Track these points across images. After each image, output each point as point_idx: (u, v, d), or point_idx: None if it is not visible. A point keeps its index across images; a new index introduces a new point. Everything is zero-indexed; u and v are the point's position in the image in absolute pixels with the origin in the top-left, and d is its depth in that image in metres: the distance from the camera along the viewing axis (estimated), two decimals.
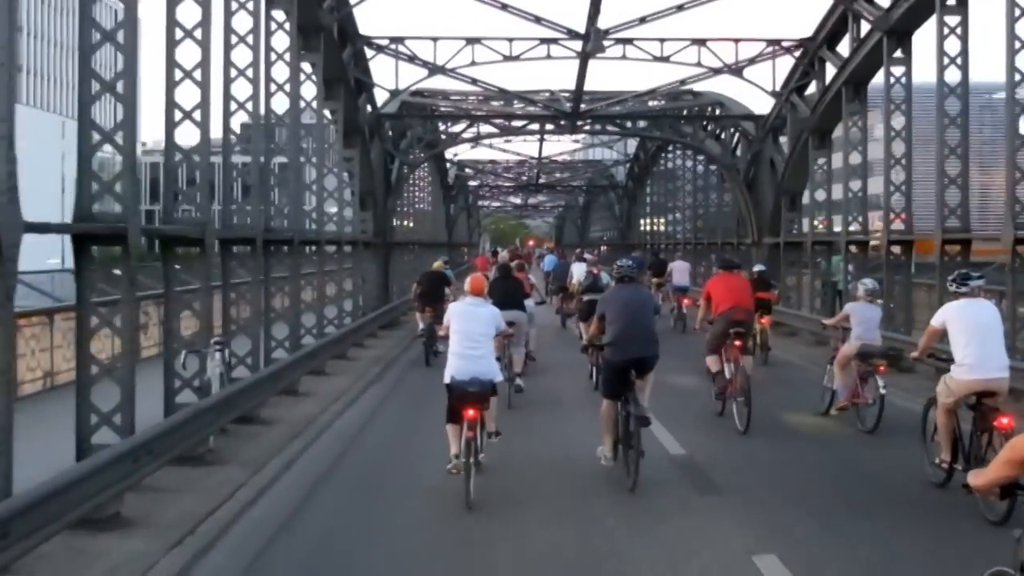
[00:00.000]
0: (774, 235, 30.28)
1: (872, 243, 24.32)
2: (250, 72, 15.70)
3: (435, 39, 28.43)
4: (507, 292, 15.52)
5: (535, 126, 38.51)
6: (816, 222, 29.39)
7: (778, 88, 29.12)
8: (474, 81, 29.65)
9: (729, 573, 7.74)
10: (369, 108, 29.66)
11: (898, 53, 21.53)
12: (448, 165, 57.21)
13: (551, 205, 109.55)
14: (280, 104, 18.72)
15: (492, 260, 30.17)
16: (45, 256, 50.15)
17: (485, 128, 37.08)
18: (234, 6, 15.36)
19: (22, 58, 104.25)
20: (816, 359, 18.11)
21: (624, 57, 28.19)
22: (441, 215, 59.18)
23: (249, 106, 15.65)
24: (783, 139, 30.70)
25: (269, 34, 18.13)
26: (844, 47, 25.28)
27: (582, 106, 32.64)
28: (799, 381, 17.60)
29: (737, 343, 13.29)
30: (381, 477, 11.00)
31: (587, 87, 30.98)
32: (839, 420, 13.41)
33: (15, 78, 8.16)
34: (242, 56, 15.60)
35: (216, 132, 15.01)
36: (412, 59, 28.36)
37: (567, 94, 33.17)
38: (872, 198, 27.55)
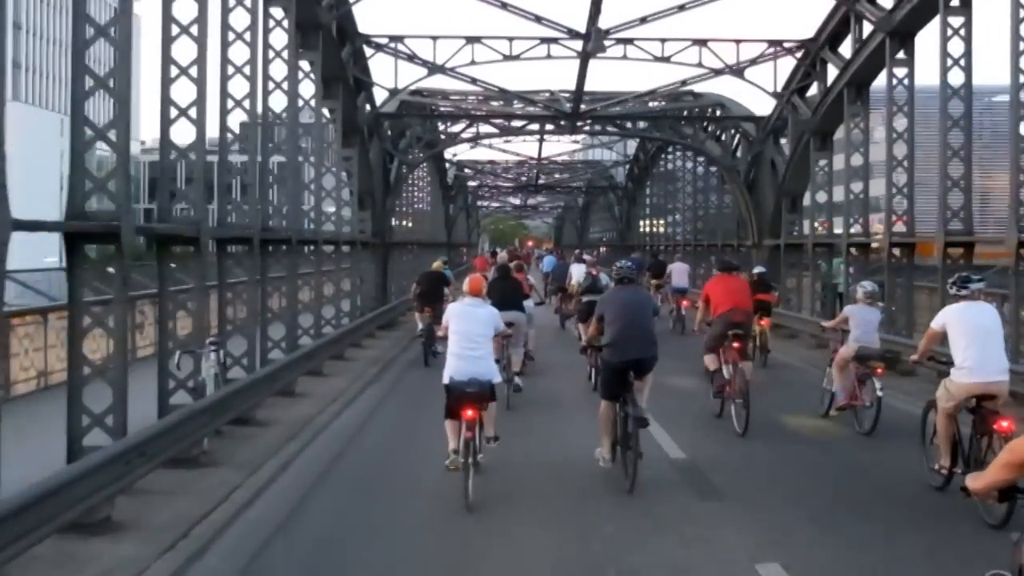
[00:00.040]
0: (774, 237, 30.14)
1: (873, 245, 24.18)
2: (247, 69, 15.53)
3: (435, 38, 28.31)
4: (506, 293, 15.48)
5: (535, 126, 38.41)
6: (817, 224, 29.25)
7: (779, 89, 28.98)
8: (474, 81, 29.51)
9: None
10: (368, 107, 29.53)
11: (900, 54, 21.38)
12: (447, 165, 57.11)
13: (550, 206, 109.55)
14: (278, 102, 18.57)
15: (491, 261, 30.10)
16: (43, 255, 50.02)
17: (485, 128, 36.99)
18: (231, 3, 15.18)
19: (21, 55, 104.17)
20: (816, 361, 18.04)
21: (625, 57, 28.04)
22: (440, 215, 59.07)
23: (246, 104, 15.49)
24: (784, 140, 30.57)
25: (267, 31, 17.95)
26: (846, 48, 25.17)
27: (582, 106, 32.49)
28: (798, 383, 17.58)
29: (736, 345, 13.29)
30: (379, 478, 10.90)
31: (587, 87, 30.84)
32: (839, 422, 13.41)
33: (5, 75, 8.00)
34: (239, 53, 15.45)
35: (213, 130, 14.94)
36: (411, 58, 28.22)
37: (567, 94, 33.04)
38: (873, 200, 27.38)
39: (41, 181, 72.82)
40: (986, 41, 20.25)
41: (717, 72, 28.61)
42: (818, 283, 27.42)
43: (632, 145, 58.38)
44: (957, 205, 19.17)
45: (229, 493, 9.99)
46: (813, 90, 27.79)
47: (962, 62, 18.70)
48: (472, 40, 28.13)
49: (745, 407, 12.68)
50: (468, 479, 9.34)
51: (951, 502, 9.14)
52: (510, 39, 28.11)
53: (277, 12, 18.42)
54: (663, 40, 28.18)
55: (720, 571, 7.83)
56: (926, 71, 21.44)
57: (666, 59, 28.10)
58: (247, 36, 15.53)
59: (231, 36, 15.18)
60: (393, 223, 35.89)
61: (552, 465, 11.22)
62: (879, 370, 12.75)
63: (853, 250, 24.05)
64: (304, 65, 20.69)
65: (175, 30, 12.52)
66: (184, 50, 12.63)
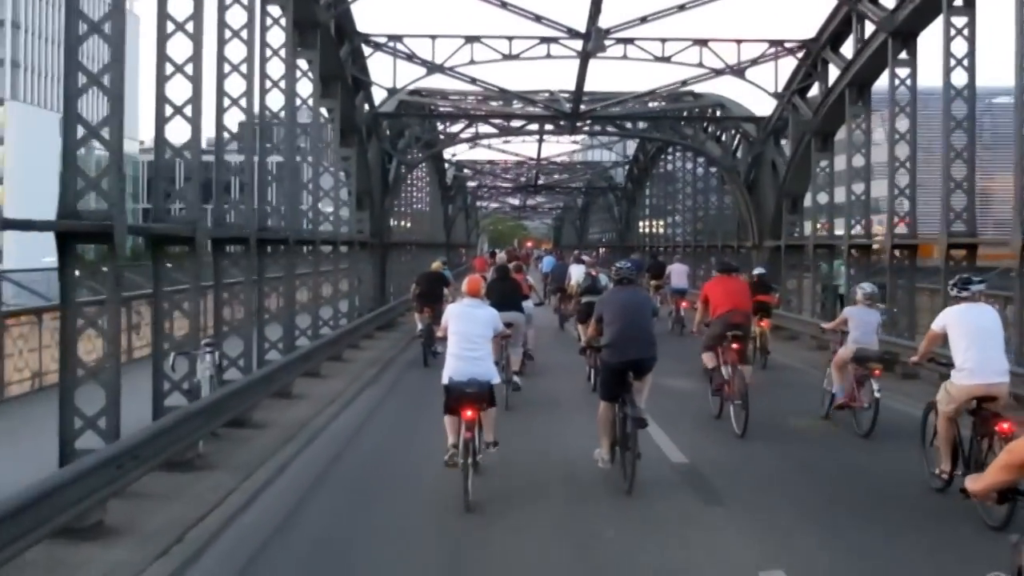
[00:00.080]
0: (775, 238, 30.01)
1: (875, 247, 24.05)
2: (244, 68, 15.37)
3: (434, 37, 28.12)
4: (505, 293, 15.46)
5: (534, 126, 38.28)
6: (818, 225, 29.10)
7: (780, 89, 28.84)
8: (473, 80, 29.36)
9: None
10: (366, 107, 29.37)
11: (903, 55, 21.22)
12: (446, 165, 56.99)
13: (549, 207, 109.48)
14: (275, 101, 18.40)
15: (490, 261, 30.06)
16: (42, 255, 49.88)
17: (484, 128, 36.85)
18: (228, 0, 15.05)
19: (20, 55, 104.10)
20: (816, 363, 17.94)
21: (625, 57, 27.89)
22: (439, 216, 58.96)
23: (243, 103, 15.33)
24: (784, 141, 30.43)
25: (264, 29, 17.81)
26: (847, 49, 25.01)
27: (582, 107, 32.34)
28: (799, 384, 17.56)
29: (735, 346, 13.28)
30: (377, 481, 10.78)
31: (587, 88, 30.68)
32: (839, 424, 13.38)
33: None
34: (236, 51, 15.29)
35: (210, 130, 14.83)
36: (410, 57, 28.07)
37: (567, 94, 32.91)
38: (873, 202, 27.22)
39: (40, 180, 72.59)
40: (986, 42, 20.13)
41: (718, 72, 28.47)
42: (819, 285, 27.29)
43: (632, 146, 58.28)
44: (959, 207, 19.02)
45: (224, 497, 9.85)
46: (814, 91, 27.65)
47: (965, 62, 18.54)
48: (471, 39, 27.98)
49: (744, 408, 12.64)
50: (468, 479, 9.32)
51: (951, 504, 9.06)
52: (510, 38, 27.96)
53: (274, 10, 18.28)
54: (663, 40, 28.04)
55: None
56: (928, 72, 21.29)
57: (666, 59, 27.95)
58: (244, 34, 15.36)
59: (227, 34, 15.02)
60: (392, 223, 35.77)
61: (551, 466, 11.17)
62: (877, 372, 12.70)
63: (854, 251, 23.87)
64: (302, 64, 20.55)
65: (170, 27, 12.39)
66: (179, 47, 12.51)
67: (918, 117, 21.56)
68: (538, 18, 25.65)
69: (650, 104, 34.94)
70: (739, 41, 28.38)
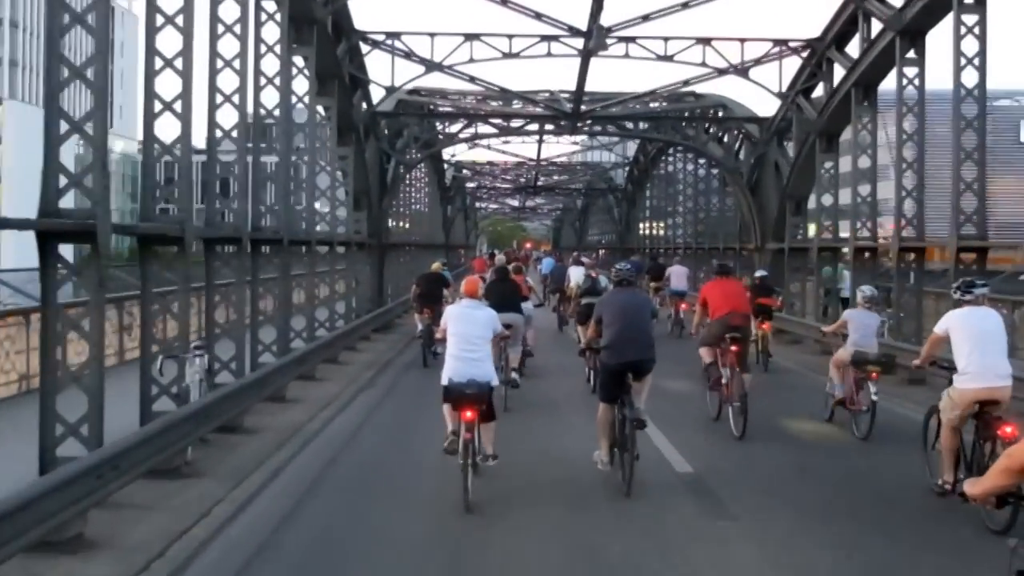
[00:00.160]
0: (778, 240, 29.65)
1: (881, 250, 23.71)
2: (237, 64, 14.97)
3: (432, 35, 27.75)
4: (504, 295, 15.41)
5: (534, 127, 37.94)
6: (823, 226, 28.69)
7: (784, 90, 28.48)
8: (472, 79, 28.96)
9: None
10: (364, 105, 29.01)
11: (911, 54, 20.84)
12: (445, 166, 56.69)
13: (549, 208, 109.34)
14: (270, 99, 18.03)
15: (489, 263, 29.96)
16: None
17: (483, 128, 36.52)
18: None
19: (18, 54, 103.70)
20: (818, 367, 17.81)
21: (627, 56, 27.51)
22: (438, 216, 58.67)
23: (236, 99, 14.93)
24: (788, 142, 30.08)
25: (259, 25, 17.42)
26: (853, 48, 24.65)
27: (582, 107, 31.99)
28: (801, 387, 17.58)
29: (733, 348, 13.27)
30: (373, 487, 10.48)
31: (588, 88, 30.36)
32: (842, 428, 13.36)
33: None
34: (229, 47, 14.86)
35: (202, 126, 14.44)
36: (409, 55, 27.70)
37: (567, 94, 32.59)
38: (879, 204, 26.81)
39: (39, 180, 72.08)
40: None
41: (721, 72, 28.10)
42: (822, 288, 26.95)
43: (632, 147, 57.99)
44: (968, 209, 18.67)
45: (211, 507, 9.46)
46: (819, 91, 27.33)
47: (976, 61, 18.18)
48: (471, 37, 27.62)
49: (743, 412, 12.62)
50: (467, 480, 9.34)
51: (954, 508, 8.93)
52: (510, 36, 27.58)
53: (269, 5, 17.91)
54: (666, 39, 27.67)
55: None
56: (934, 72, 20.86)
57: (669, 58, 27.57)
58: (237, 29, 14.94)
59: (220, 28, 14.58)
60: (390, 224, 35.43)
61: (551, 467, 11.11)
62: (874, 375, 12.72)
63: (866, 254, 23.48)
64: (298, 61, 20.20)
65: (160, 20, 11.98)
66: (169, 41, 12.11)
67: (922, 118, 21.20)
68: (539, 16, 25.30)
69: (651, 104, 34.66)
70: (743, 40, 28.03)
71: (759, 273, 23.55)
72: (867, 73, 23.30)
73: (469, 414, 9.62)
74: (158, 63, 11.99)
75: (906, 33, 20.71)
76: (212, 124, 14.35)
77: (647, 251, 51.36)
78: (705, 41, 27.86)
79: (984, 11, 18.19)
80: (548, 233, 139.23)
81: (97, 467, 8.23)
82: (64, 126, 9.43)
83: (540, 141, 47.38)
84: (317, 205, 23.34)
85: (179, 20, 12.06)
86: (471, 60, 27.78)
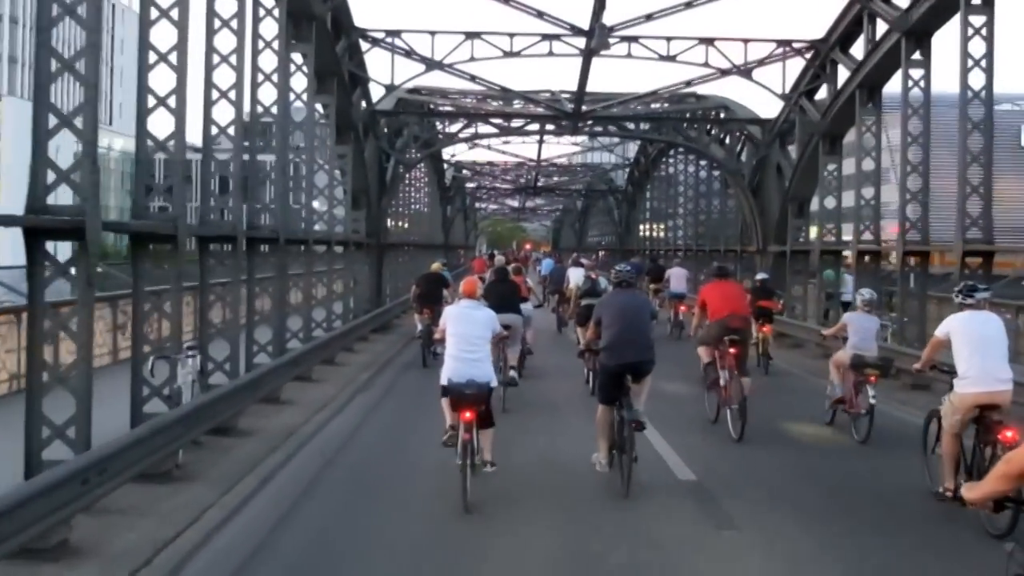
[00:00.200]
0: (780, 243, 29.42)
1: (885, 253, 23.50)
2: (234, 59, 14.73)
3: (433, 33, 27.54)
4: (503, 295, 15.41)
5: (534, 127, 37.70)
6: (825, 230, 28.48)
7: (787, 91, 28.24)
8: (473, 78, 28.72)
9: None
10: (364, 104, 28.75)
11: (916, 55, 20.62)
12: (445, 166, 56.47)
13: (549, 209, 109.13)
14: (267, 96, 17.77)
15: (489, 263, 29.81)
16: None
17: (484, 128, 36.27)
18: None
19: (17, 50, 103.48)
20: (819, 371, 17.68)
21: (629, 55, 27.30)
22: (437, 216, 58.45)
23: (232, 95, 14.68)
24: (791, 145, 29.86)
25: (256, 20, 17.15)
26: (857, 49, 24.48)
27: (584, 107, 31.75)
28: (802, 391, 17.55)
29: (732, 351, 13.25)
30: (368, 492, 10.25)
31: (589, 89, 30.13)
32: (842, 431, 13.31)
33: None
34: (226, 42, 14.63)
35: (197, 123, 14.24)
36: (409, 54, 27.47)
37: (568, 95, 32.36)
38: (882, 207, 26.59)
39: None
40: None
41: (724, 72, 27.88)
42: (823, 292, 26.72)
43: (632, 148, 57.80)
44: (974, 212, 18.44)
45: (201, 513, 9.21)
46: (822, 93, 27.10)
47: (983, 63, 17.95)
48: (472, 36, 27.39)
49: (741, 415, 12.58)
50: (466, 480, 9.32)
51: (955, 513, 8.89)
52: (511, 35, 27.38)
53: (267, 1, 17.64)
54: (668, 39, 27.47)
55: None
56: (938, 74, 20.69)
57: (671, 58, 27.35)
58: (234, 24, 14.71)
59: (217, 23, 14.36)
60: (388, 224, 35.18)
61: (550, 468, 11.05)
62: (872, 378, 12.72)
63: (866, 257, 23.27)
64: (296, 58, 19.94)
65: (154, 13, 11.76)
66: (164, 35, 11.87)
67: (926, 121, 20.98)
68: (540, 14, 25.07)
69: (653, 105, 34.46)
70: (746, 41, 27.84)
71: (760, 276, 23.45)
72: (872, 75, 23.09)
73: (468, 415, 9.59)
74: (152, 57, 11.78)
75: (912, 34, 20.50)
76: (208, 121, 14.10)
77: (647, 253, 51.22)
78: (708, 41, 27.65)
79: (992, 12, 17.96)
80: (548, 234, 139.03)
81: (83, 471, 7.99)
82: (53, 120, 9.19)
83: (540, 142, 47.19)
84: (315, 204, 23.11)
85: (174, 14, 11.86)
86: (472, 59, 27.57)
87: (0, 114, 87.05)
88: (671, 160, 47.52)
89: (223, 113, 14.64)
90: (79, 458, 8.39)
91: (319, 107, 23.16)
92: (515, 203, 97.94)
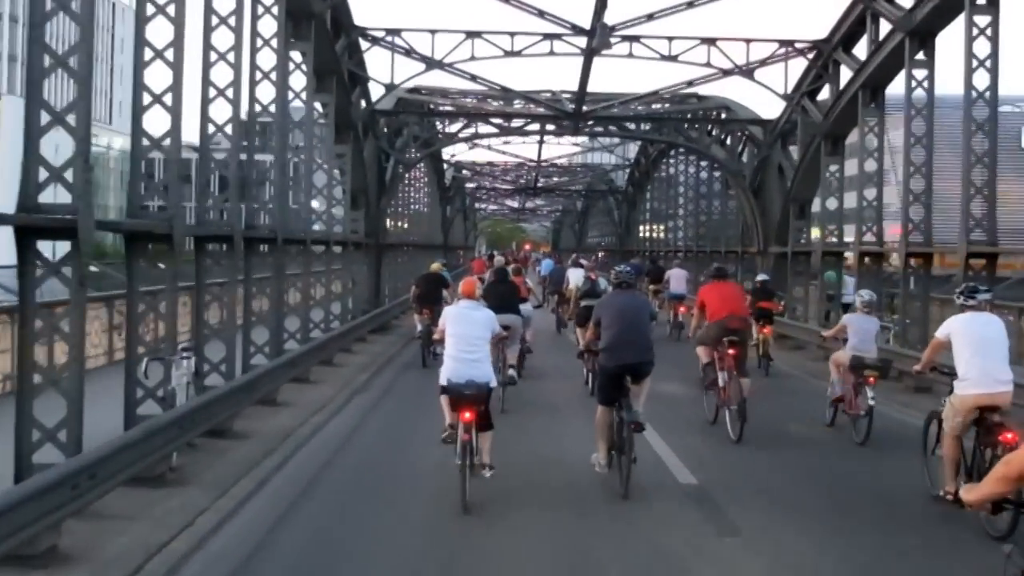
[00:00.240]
0: (781, 244, 29.26)
1: (887, 254, 23.35)
2: (232, 57, 14.55)
3: (433, 32, 27.32)
4: (503, 296, 15.37)
5: (535, 127, 37.51)
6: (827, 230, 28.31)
7: (789, 91, 28.06)
8: (473, 78, 28.54)
9: None
10: (363, 103, 28.55)
11: (920, 55, 20.45)
12: (445, 166, 56.29)
13: (548, 209, 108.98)
14: (266, 94, 17.56)
15: (488, 264, 29.72)
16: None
17: (484, 128, 36.08)
18: None
19: (16, 49, 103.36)
20: (820, 373, 17.52)
21: (631, 55, 27.11)
22: (437, 217, 58.25)
23: (230, 93, 14.50)
24: (792, 145, 29.68)
25: (255, 18, 16.98)
26: (860, 50, 24.29)
27: (584, 107, 31.58)
28: (803, 392, 17.53)
29: (731, 352, 13.25)
30: (365, 495, 10.09)
31: (590, 89, 29.95)
32: (842, 433, 13.29)
33: None
34: (223, 39, 14.45)
35: (194, 121, 14.09)
36: (409, 52, 27.27)
37: (569, 95, 32.19)
38: (884, 208, 26.42)
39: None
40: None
41: (726, 72, 27.69)
42: (825, 293, 26.56)
43: (633, 149, 57.65)
44: (977, 214, 18.28)
45: (194, 518, 9.05)
46: (824, 93, 26.91)
47: (988, 63, 17.79)
48: (472, 35, 27.20)
49: (740, 416, 12.56)
50: (465, 480, 9.32)
51: (958, 514, 8.81)
52: (512, 34, 27.19)
53: None
54: (670, 38, 27.28)
55: None
56: (940, 75, 20.43)
57: (673, 58, 27.17)
58: (232, 21, 14.54)
59: (214, 20, 14.19)
60: (388, 224, 34.99)
61: (549, 469, 11.02)
62: (871, 379, 12.71)
63: (866, 259, 23.11)
64: (295, 56, 19.75)
65: (150, 9, 11.59)
66: (160, 32, 11.71)
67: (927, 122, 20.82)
68: (541, 13, 24.89)
69: (654, 106, 34.29)
70: (748, 40, 27.64)
71: (760, 277, 23.37)
72: (875, 75, 22.91)
73: (468, 415, 9.57)
74: (148, 54, 11.61)
75: (916, 34, 20.33)
76: (205, 119, 13.93)
77: (647, 254, 51.09)
78: (710, 41, 27.48)
79: (997, 12, 17.80)
80: (547, 235, 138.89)
81: (73, 475, 7.82)
82: (46, 117, 9.03)
83: (541, 142, 47.02)
84: (314, 204, 22.95)
85: (170, 10, 11.69)
86: (472, 58, 27.38)
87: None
88: (672, 161, 47.34)
89: (221, 111, 14.48)
90: (70, 462, 8.23)
91: (318, 106, 22.97)
92: (515, 203, 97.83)
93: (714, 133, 34.78)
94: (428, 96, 34.22)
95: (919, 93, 20.63)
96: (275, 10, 17.44)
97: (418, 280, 21.56)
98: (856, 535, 8.83)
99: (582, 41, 25.66)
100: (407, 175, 38.80)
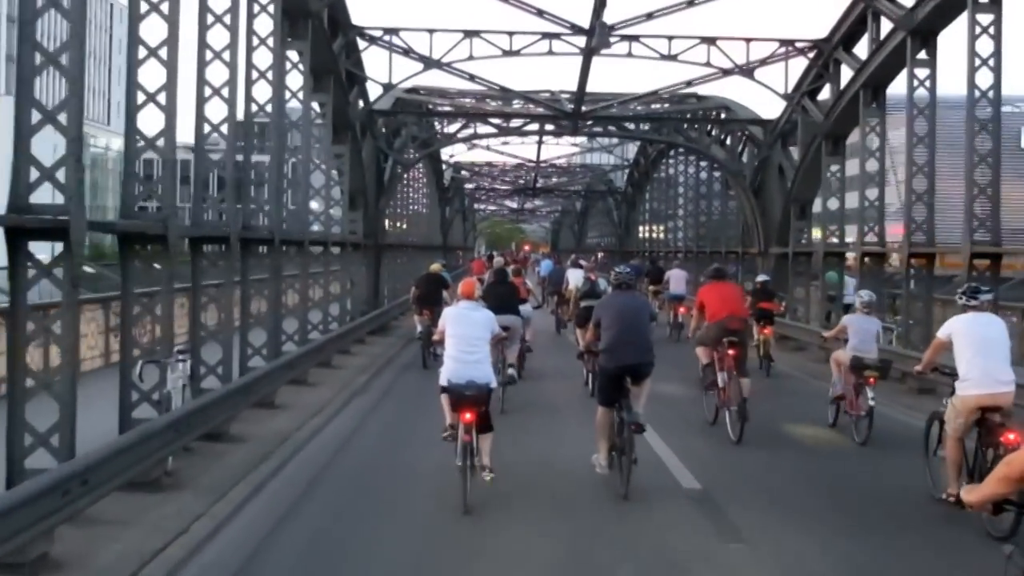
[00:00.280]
0: (782, 244, 29.12)
1: (892, 256, 23.20)
2: (227, 56, 14.39)
3: (431, 31, 27.22)
4: (502, 297, 15.37)
5: (534, 127, 37.36)
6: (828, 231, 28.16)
7: (789, 91, 27.91)
8: (472, 77, 28.39)
9: None
10: (361, 103, 28.38)
11: (922, 54, 20.30)
12: (444, 167, 56.14)
13: (548, 210, 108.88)
14: (262, 93, 17.39)
15: (488, 265, 29.61)
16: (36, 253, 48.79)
17: (482, 128, 35.91)
18: None
19: (14, 49, 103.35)
20: (821, 374, 17.39)
21: (630, 55, 26.96)
22: (436, 217, 58.09)
23: (225, 92, 14.34)
24: (792, 146, 29.53)
25: (251, 16, 16.82)
26: (861, 49, 24.17)
27: (583, 107, 31.42)
28: (804, 393, 17.52)
29: (731, 352, 13.26)
30: (363, 500, 9.97)
31: (589, 89, 29.81)
32: (844, 433, 13.29)
33: None
34: (219, 38, 14.30)
35: (189, 121, 13.93)
36: (407, 52, 27.11)
37: (568, 95, 32.05)
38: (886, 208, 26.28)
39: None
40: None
41: (725, 72, 27.53)
42: (827, 293, 26.42)
43: (632, 149, 57.52)
44: (980, 214, 18.13)
45: (190, 524, 8.88)
46: (825, 93, 26.77)
47: (991, 62, 17.64)
48: (470, 34, 27.05)
49: (740, 416, 12.56)
50: (466, 481, 9.32)
51: (959, 514, 8.56)
52: (510, 34, 27.04)
53: None
54: (670, 38, 27.13)
55: None
56: (941, 75, 20.26)
57: (673, 57, 27.01)
58: (227, 20, 14.38)
59: (210, 19, 14.02)
60: (386, 224, 34.82)
61: (550, 470, 11.00)
62: (872, 380, 12.73)
63: (865, 259, 22.97)
64: (292, 55, 19.58)
65: (144, 7, 11.43)
66: (154, 30, 11.53)
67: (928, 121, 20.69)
68: (540, 13, 24.75)
69: (653, 106, 34.16)
70: (748, 40, 27.49)
71: (761, 277, 23.29)
72: (876, 74, 22.77)
73: (468, 416, 9.57)
74: (142, 52, 11.44)
75: (917, 33, 20.19)
76: (200, 118, 13.77)
77: (647, 255, 50.97)
78: (710, 40, 27.32)
79: (1000, 10, 17.66)
80: (547, 235, 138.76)
81: (65, 481, 7.65)
82: (36, 116, 8.87)
83: (540, 142, 46.90)
84: (312, 204, 22.79)
85: (164, 8, 11.54)
86: (471, 57, 27.22)
87: None
88: (671, 161, 47.19)
89: (216, 111, 14.32)
90: (62, 467, 8.06)
91: (315, 106, 22.82)
92: (514, 204, 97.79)
93: (714, 133, 34.64)
94: (426, 96, 34.07)
95: (921, 92, 20.48)
96: (271, 8, 17.25)
97: (418, 281, 21.55)
98: (857, 536, 8.79)
99: (581, 40, 25.54)
100: (406, 176, 38.66)
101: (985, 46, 17.73)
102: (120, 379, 11.12)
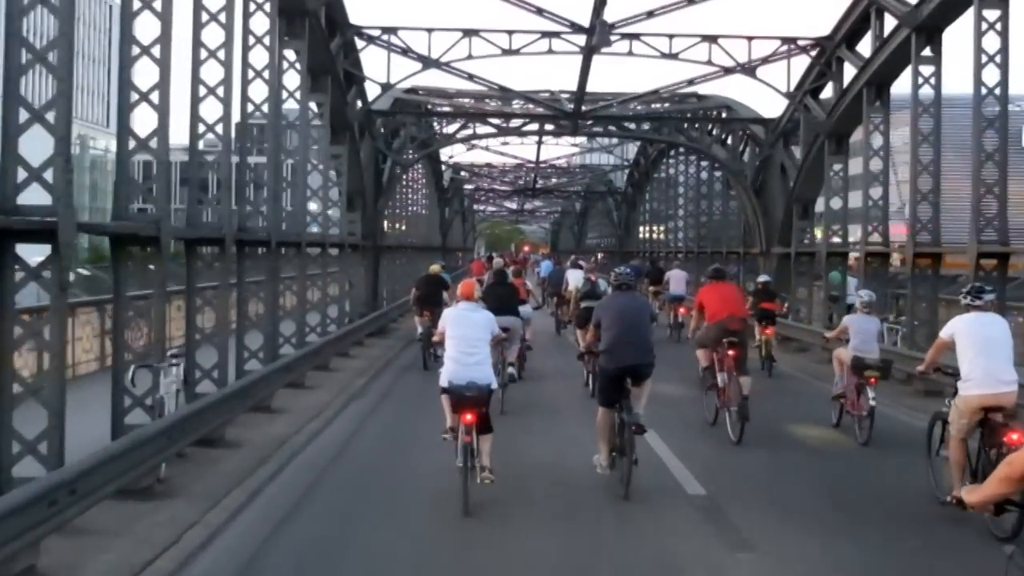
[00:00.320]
0: (783, 244, 28.89)
1: (895, 256, 22.97)
2: (222, 54, 14.14)
3: (430, 30, 27.03)
4: (502, 298, 15.37)
5: (533, 127, 37.13)
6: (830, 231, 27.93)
7: (791, 89, 27.68)
8: (471, 77, 28.16)
9: None
10: (359, 103, 28.15)
11: (927, 51, 20.07)
12: (443, 167, 55.94)
13: (547, 211, 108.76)
14: (258, 93, 17.15)
15: (487, 265, 29.45)
16: (29, 254, 48.59)
17: (482, 128, 35.69)
18: None
19: None
20: (823, 375, 17.26)
21: (631, 53, 26.73)
22: (435, 218, 57.91)
23: (220, 92, 14.10)
24: (794, 145, 29.31)
25: (247, 14, 16.59)
26: (864, 47, 23.95)
27: (584, 107, 31.20)
28: (806, 393, 17.51)
29: (731, 353, 13.24)
30: (361, 507, 9.75)
31: (590, 88, 29.61)
32: (845, 433, 13.30)
33: None
34: (214, 36, 14.07)
35: (184, 121, 13.70)
36: (405, 51, 26.90)
37: (568, 94, 31.84)
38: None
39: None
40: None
41: (727, 70, 27.30)
42: (830, 294, 26.20)
43: (632, 149, 57.32)
44: (988, 213, 17.87)
45: (182, 533, 8.65)
46: (828, 91, 26.54)
47: (998, 59, 17.38)
48: (469, 33, 26.82)
49: (740, 416, 12.55)
50: (466, 482, 9.30)
51: (961, 515, 8.43)
52: (510, 32, 26.85)
53: None
54: (671, 36, 26.90)
55: None
56: (945, 74, 20.02)
57: (674, 56, 26.78)
58: (223, 18, 14.13)
59: (204, 17, 13.80)
60: (385, 226, 34.58)
61: (549, 471, 10.99)
62: (872, 380, 12.72)
63: (868, 259, 22.73)
64: (289, 55, 19.34)
65: (136, 4, 11.20)
66: (146, 27, 11.33)
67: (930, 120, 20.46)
68: (540, 11, 24.54)
69: (654, 105, 33.95)
70: (750, 38, 27.29)
71: (762, 278, 23.14)
72: (880, 72, 22.51)
73: (469, 417, 9.56)
74: (134, 51, 11.21)
75: (922, 30, 19.94)
76: (195, 118, 13.55)
77: (647, 255, 50.78)
78: (711, 39, 27.11)
79: (1007, 6, 17.39)
80: (546, 236, 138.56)
81: (52, 491, 7.41)
82: (24, 115, 8.64)
83: (539, 143, 46.71)
84: (310, 205, 22.56)
85: (157, 5, 11.31)
86: (470, 57, 27.00)
87: None
88: (672, 161, 46.96)
89: (211, 111, 14.09)
90: (50, 476, 7.84)
91: (313, 106, 22.56)
92: (513, 205, 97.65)
93: (715, 132, 34.41)
94: (425, 96, 33.87)
95: (926, 90, 20.24)
96: (267, 7, 17.02)
97: (418, 282, 21.54)
98: (857, 536, 8.75)
99: (581, 39, 25.36)
100: (404, 176, 38.45)
101: (992, 42, 17.45)
102: (112, 384, 10.89)
